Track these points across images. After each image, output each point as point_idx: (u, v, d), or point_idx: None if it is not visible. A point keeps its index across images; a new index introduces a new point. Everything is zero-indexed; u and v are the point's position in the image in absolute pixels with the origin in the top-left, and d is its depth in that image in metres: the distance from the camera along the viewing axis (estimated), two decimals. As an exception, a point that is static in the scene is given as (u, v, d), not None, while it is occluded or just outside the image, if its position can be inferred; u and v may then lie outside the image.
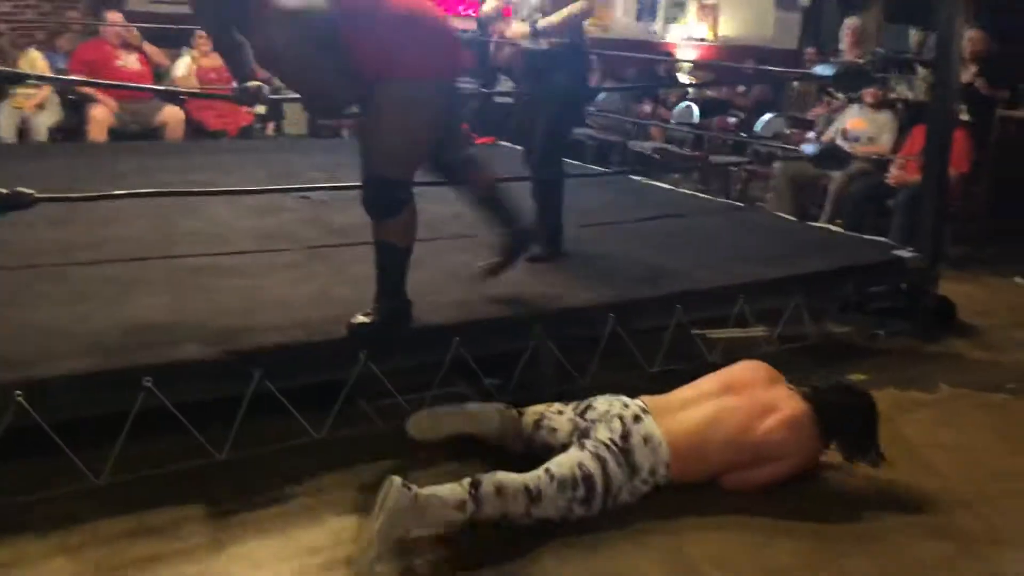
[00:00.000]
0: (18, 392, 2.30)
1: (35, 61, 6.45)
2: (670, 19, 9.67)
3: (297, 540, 2.33)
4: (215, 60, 7.12)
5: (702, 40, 9.56)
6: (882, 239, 4.49)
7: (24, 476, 2.45)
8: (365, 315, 2.85)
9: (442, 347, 2.92)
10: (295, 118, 8.02)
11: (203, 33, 7.10)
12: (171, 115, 6.65)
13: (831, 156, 4.54)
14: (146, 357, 2.55)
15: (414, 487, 2.21)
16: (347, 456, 2.74)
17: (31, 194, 2.52)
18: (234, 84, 3.17)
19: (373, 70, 2.69)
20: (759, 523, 2.52)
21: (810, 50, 8.07)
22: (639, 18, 9.68)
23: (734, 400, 2.68)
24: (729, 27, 9.48)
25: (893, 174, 5.34)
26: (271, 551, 2.29)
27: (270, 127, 7.69)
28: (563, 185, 3.94)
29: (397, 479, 2.21)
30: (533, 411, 2.73)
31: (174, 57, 7.24)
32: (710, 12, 9.28)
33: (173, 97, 6.76)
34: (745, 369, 2.84)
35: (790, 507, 2.59)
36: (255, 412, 2.66)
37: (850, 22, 6.58)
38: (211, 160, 5.79)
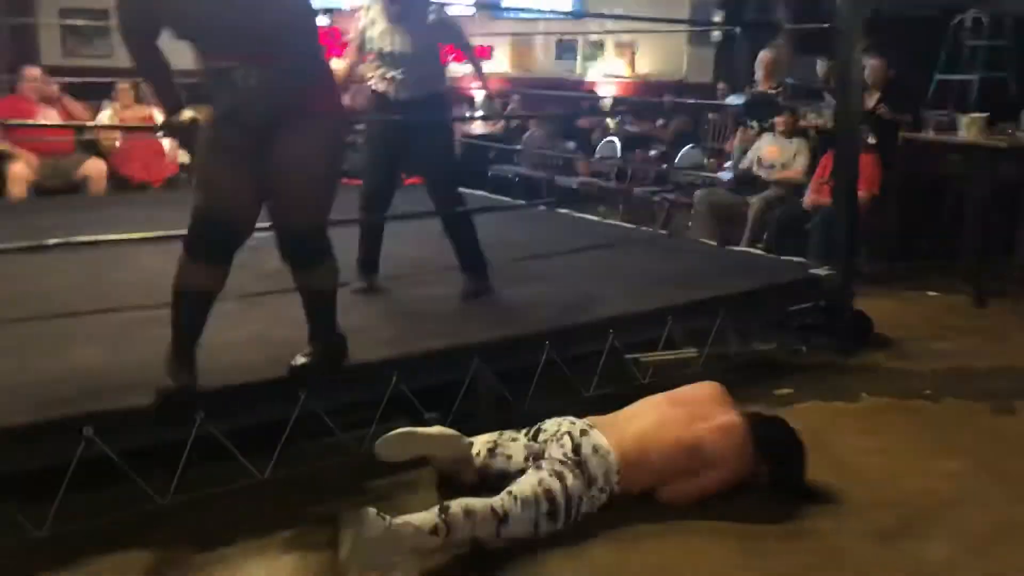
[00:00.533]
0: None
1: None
2: (589, 58, 9.94)
3: (258, 573, 2.35)
4: (138, 112, 7.12)
5: (620, 77, 9.86)
6: (799, 259, 4.70)
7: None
8: (304, 355, 2.89)
9: (381, 382, 2.97)
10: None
11: (125, 85, 7.09)
12: (93, 168, 6.59)
13: (745, 182, 4.74)
14: (85, 407, 2.55)
15: (387, 516, 2.26)
16: (293, 496, 2.76)
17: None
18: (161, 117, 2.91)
19: None
20: (695, 530, 2.63)
21: (721, 84, 8.39)
22: (559, 57, 9.93)
23: (675, 411, 2.82)
24: (645, 64, 9.81)
25: (807, 198, 5.58)
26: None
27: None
28: (471, 219, 4.10)
29: (372, 509, 2.26)
30: (486, 440, 2.81)
31: (95, 110, 7.19)
32: (627, 50, 9.59)
33: (95, 150, 6.70)
34: (694, 389, 2.99)
35: (723, 514, 2.71)
36: (199, 457, 2.67)
37: (763, 55, 6.88)
38: (136, 212, 5.73)
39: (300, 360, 2.87)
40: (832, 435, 3.37)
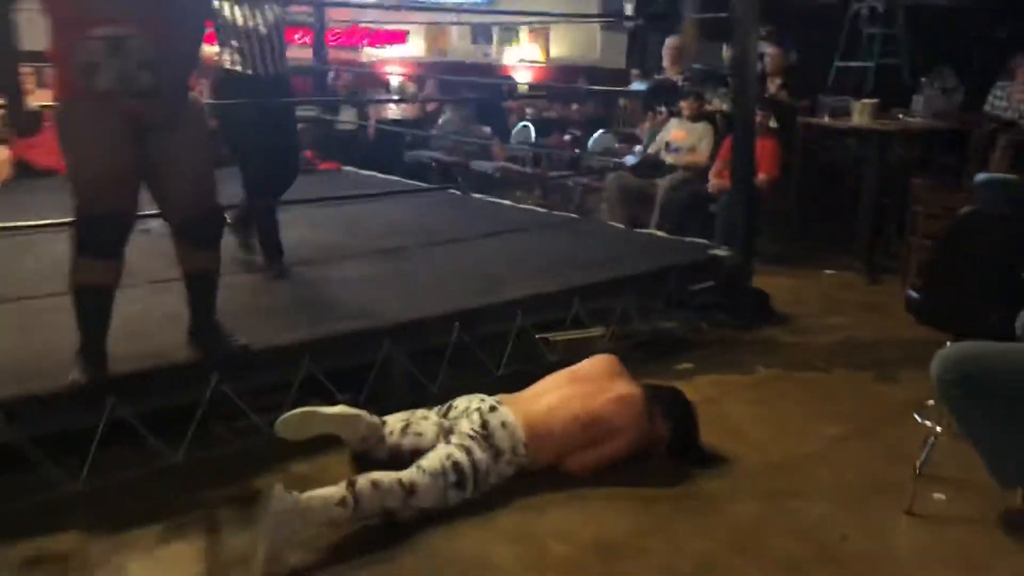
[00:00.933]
0: None
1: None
2: (504, 42, 10.04)
3: (168, 560, 2.41)
4: (40, 97, 6.93)
5: (534, 62, 9.99)
6: (701, 240, 4.90)
7: None
8: (235, 339, 2.97)
9: (294, 364, 3.05)
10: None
11: (28, 71, 6.90)
12: (-3, 155, 6.43)
13: (649, 165, 4.92)
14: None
15: (294, 492, 2.34)
16: (207, 477, 2.82)
17: None
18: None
19: None
20: (596, 497, 2.79)
21: (634, 70, 8.58)
22: (475, 41, 10.00)
23: (577, 387, 2.98)
24: (559, 48, 9.95)
25: (712, 181, 5.80)
26: (155, 566, 2.37)
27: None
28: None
29: (279, 485, 2.34)
30: (398, 418, 2.91)
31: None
32: (541, 35, 9.72)
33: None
34: (592, 363, 3.15)
35: (623, 482, 2.87)
36: (112, 441, 2.72)
37: (670, 41, 7.09)
38: (41, 198, 5.60)
39: (240, 341, 2.97)
40: (727, 405, 3.58)
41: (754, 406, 3.61)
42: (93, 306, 2.71)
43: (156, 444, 2.81)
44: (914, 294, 2.97)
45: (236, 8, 3.88)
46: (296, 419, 2.72)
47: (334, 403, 3.16)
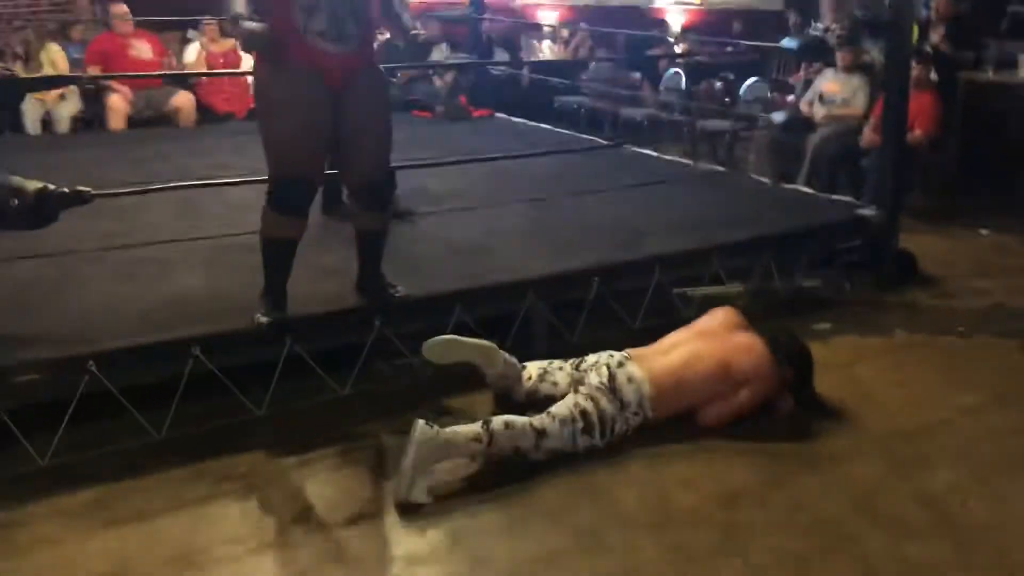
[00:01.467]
0: (90, 362, 2.72)
1: (54, 53, 6.81)
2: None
3: (336, 480, 2.77)
4: (223, 45, 7.49)
5: (689, 4, 9.84)
6: (847, 199, 4.87)
7: (95, 434, 2.87)
8: (396, 289, 3.28)
9: (447, 311, 3.33)
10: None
11: (212, 22, 7.46)
12: (183, 100, 7.02)
13: (796, 124, 4.89)
14: (192, 329, 2.97)
15: (436, 426, 2.64)
16: (370, 408, 3.17)
17: (89, 191, 2.91)
18: None
19: None
20: (721, 450, 2.95)
21: (792, 15, 8.33)
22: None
23: (704, 344, 3.13)
24: (716, -10, 9.76)
25: (864, 135, 5.69)
26: (323, 483, 2.73)
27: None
28: None
29: (421, 421, 2.64)
30: (536, 366, 3.17)
31: (179, 41, 7.60)
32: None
33: (184, 83, 7.11)
34: (712, 317, 3.28)
35: (749, 437, 3.02)
36: (290, 374, 3.09)
37: (829, -10, 6.91)
38: (224, 143, 6.16)
39: (400, 290, 3.29)
40: (861, 369, 3.63)
41: (888, 371, 3.64)
42: (279, 256, 3.05)
43: (327, 379, 3.16)
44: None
45: None
46: (441, 344, 3.02)
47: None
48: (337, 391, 3.19)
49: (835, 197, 4.95)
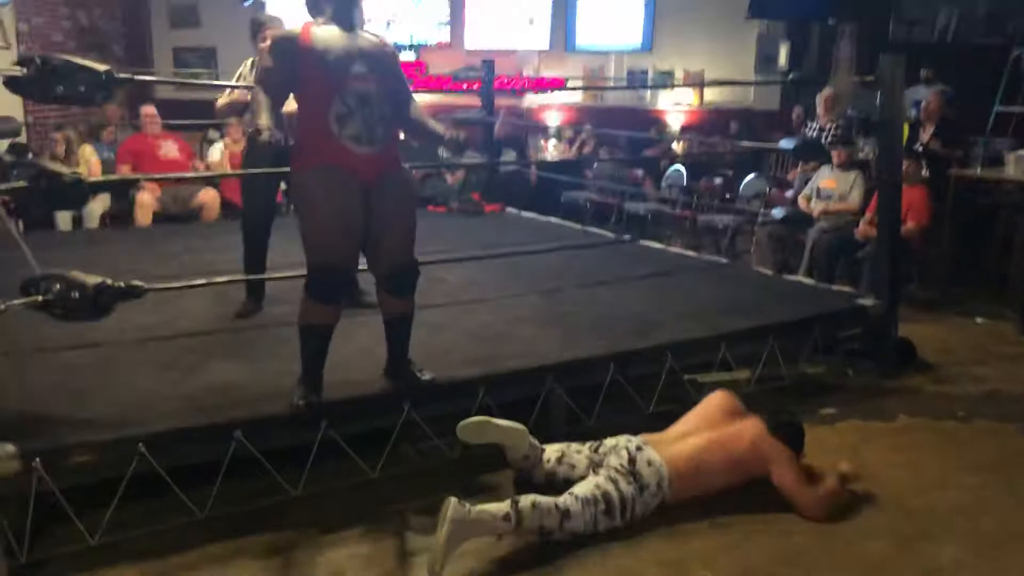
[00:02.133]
0: (140, 444, 2.89)
1: (88, 154, 7.16)
2: (659, 88, 10.39)
3: (367, 556, 2.91)
4: (245, 144, 7.83)
5: (688, 105, 10.28)
6: (847, 289, 5.10)
7: (141, 513, 3.02)
8: (423, 374, 3.47)
9: (471, 396, 3.51)
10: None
11: (234, 122, 7.82)
12: (208, 197, 7.32)
13: (795, 219, 5.16)
14: (235, 414, 3.15)
15: (467, 504, 2.79)
16: (398, 490, 3.32)
17: (143, 285, 3.13)
18: None
19: None
20: (736, 526, 3.11)
21: (797, 111, 8.69)
22: (631, 87, 10.40)
23: (714, 432, 3.31)
24: (713, 92, 10.21)
25: (860, 228, 5.95)
26: (356, 560, 2.87)
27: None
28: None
29: (453, 499, 2.79)
30: (555, 448, 3.34)
31: (203, 140, 7.96)
32: (696, 79, 10.00)
33: (209, 180, 7.43)
34: (712, 403, 3.47)
35: (760, 512, 3.18)
36: (323, 456, 3.25)
37: (824, 92, 7.30)
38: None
39: (426, 375, 3.45)
40: (867, 451, 3.79)
41: (892, 452, 3.80)
42: (316, 342, 3.26)
43: (358, 461, 3.32)
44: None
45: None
46: (474, 425, 3.21)
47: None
48: (368, 473, 3.35)
49: (835, 287, 5.17)
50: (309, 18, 3.36)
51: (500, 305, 4.67)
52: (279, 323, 4.17)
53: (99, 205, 7.11)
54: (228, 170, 7.59)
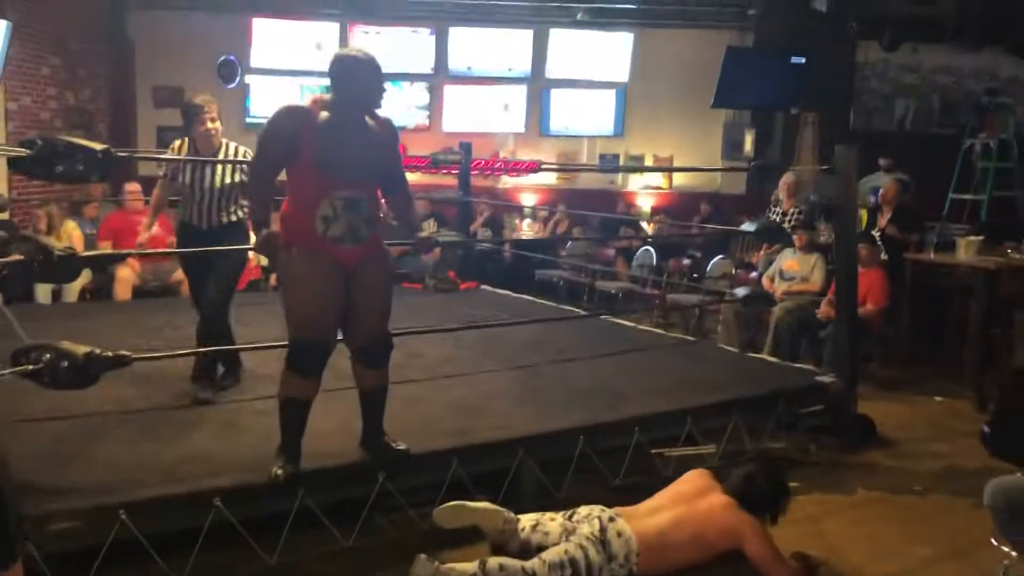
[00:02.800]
0: (122, 511, 2.97)
1: (71, 229, 7.28)
2: (630, 171, 10.75)
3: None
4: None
5: (658, 188, 10.63)
6: (808, 367, 5.29)
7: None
8: (397, 445, 3.57)
9: (444, 467, 3.62)
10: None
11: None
12: (187, 273, 7.44)
13: (757, 298, 5.38)
14: (214, 482, 3.24)
15: (436, 562, 2.88)
16: (372, 559, 3.40)
17: (129, 355, 3.25)
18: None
19: None
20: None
21: (775, 194, 8.96)
22: (603, 171, 10.75)
23: (684, 509, 3.40)
24: (683, 176, 10.59)
25: (822, 309, 6.18)
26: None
27: (273, 279, 8.50)
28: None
29: (423, 556, 2.89)
30: (530, 518, 3.42)
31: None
32: (666, 164, 10.37)
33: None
34: (687, 481, 3.57)
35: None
36: (298, 525, 3.33)
37: (786, 178, 7.62)
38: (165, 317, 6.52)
39: (400, 446, 3.56)
40: (827, 523, 3.93)
41: (852, 525, 3.94)
42: (295, 414, 3.37)
43: (332, 530, 3.40)
44: (986, 429, 3.31)
45: (189, 169, 4.44)
46: (450, 510, 3.29)
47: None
48: (342, 542, 3.43)
49: (797, 365, 5.36)
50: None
51: (475, 380, 4.80)
52: (256, 396, 4.29)
53: (79, 279, 7.19)
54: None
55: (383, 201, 3.64)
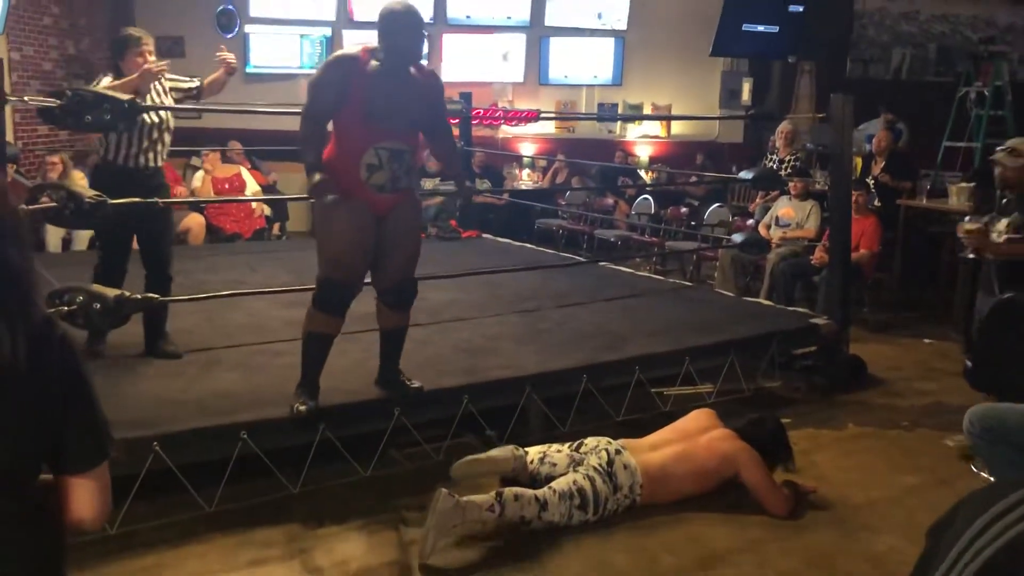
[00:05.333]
0: (155, 443, 3.16)
1: (79, 179, 7.38)
2: (628, 119, 10.84)
3: (364, 544, 3.20)
4: (226, 171, 8.14)
5: (656, 137, 10.73)
6: (802, 310, 5.47)
7: (155, 507, 3.28)
8: (412, 383, 3.76)
9: (455, 403, 3.82)
10: (297, 218, 9.03)
11: (207, 152, 8.12)
12: (194, 222, 7.59)
13: (753, 244, 5.54)
14: (240, 417, 3.42)
15: (455, 495, 3.09)
16: (388, 488, 3.61)
17: (157, 297, 3.41)
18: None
19: None
20: (699, 520, 3.43)
21: (772, 140, 9.09)
22: (601, 119, 10.83)
23: (687, 444, 3.62)
24: (680, 125, 10.67)
25: (816, 254, 6.34)
26: (351, 550, 3.15)
27: (276, 228, 8.65)
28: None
29: (444, 489, 3.08)
30: (537, 450, 3.63)
31: (183, 168, 8.25)
32: (664, 113, 10.45)
33: (195, 206, 7.70)
34: (691, 419, 3.78)
35: (720, 510, 3.50)
36: (319, 457, 3.53)
37: (782, 126, 7.73)
38: (235, 260, 6.71)
39: (415, 384, 3.74)
40: (818, 456, 4.14)
41: (841, 457, 4.15)
42: (318, 350, 3.55)
43: (352, 462, 3.61)
44: (968, 364, 3.50)
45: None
46: (465, 465, 3.48)
47: (483, 438, 3.94)
48: (361, 472, 3.63)
49: (791, 308, 5.54)
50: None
51: (480, 323, 4.98)
52: (268, 340, 4.47)
53: (59, 230, 7.31)
54: (211, 195, 7.87)
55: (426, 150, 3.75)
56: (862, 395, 5.04)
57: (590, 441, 3.60)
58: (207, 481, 3.33)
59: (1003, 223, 4.40)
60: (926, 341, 6.23)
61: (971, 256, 4.43)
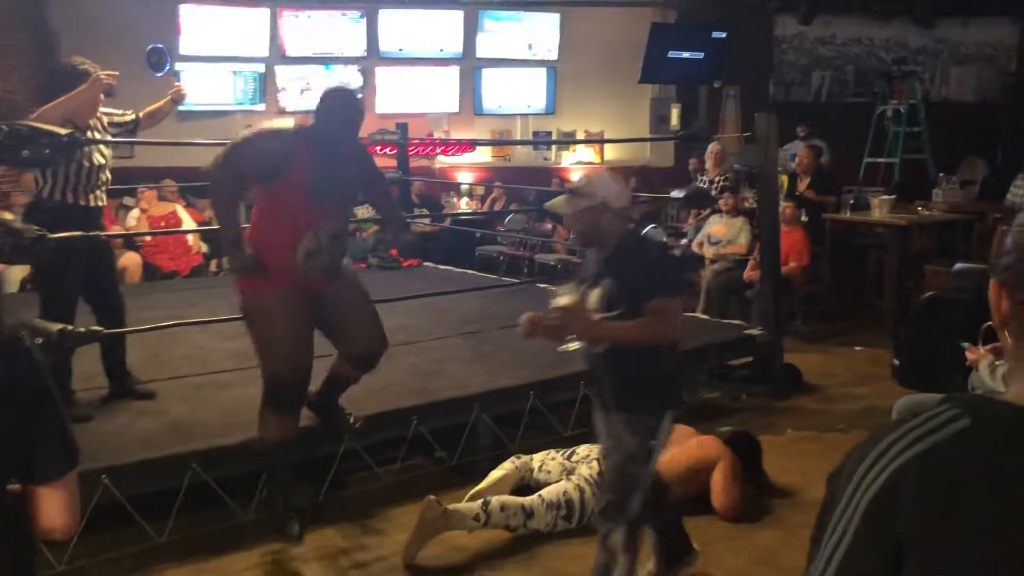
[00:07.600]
0: (104, 476, 3.13)
1: (6, 219, 7.24)
2: (562, 147, 11.02)
3: (359, 550, 3.21)
4: (162, 209, 8.06)
5: (590, 164, 10.94)
6: (738, 322, 5.64)
7: (104, 541, 3.24)
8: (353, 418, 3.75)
9: (405, 424, 3.86)
10: (235, 254, 8.96)
11: (145, 190, 8.04)
12: (130, 260, 7.49)
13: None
14: (190, 447, 3.42)
15: (443, 503, 3.14)
16: (343, 511, 3.62)
17: (101, 330, 3.39)
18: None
19: None
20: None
21: (693, 162, 9.35)
22: (536, 148, 11.00)
23: (675, 450, 3.68)
24: (613, 151, 10.90)
25: (748, 270, 6.54)
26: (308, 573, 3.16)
27: (214, 264, 8.57)
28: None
29: (432, 497, 3.15)
30: (538, 457, 3.74)
31: (118, 206, 8.15)
32: (597, 139, 10.68)
33: (130, 244, 7.61)
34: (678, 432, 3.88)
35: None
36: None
37: (711, 147, 7.97)
38: (174, 297, 6.64)
39: (358, 424, 3.73)
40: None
41: (782, 460, 4.28)
42: (282, 456, 3.42)
43: (306, 487, 3.62)
44: (896, 362, 3.67)
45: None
46: (486, 487, 3.54)
47: (433, 459, 3.98)
48: (315, 497, 3.65)
49: (726, 321, 5.71)
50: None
51: (427, 346, 5.03)
52: (213, 371, 4.45)
53: (19, 270, 7.17)
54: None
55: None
56: (799, 401, 5.21)
57: (581, 449, 3.69)
58: (158, 513, 3.31)
59: (595, 293, 3.08)
60: (857, 348, 6.45)
61: (574, 347, 2.93)
